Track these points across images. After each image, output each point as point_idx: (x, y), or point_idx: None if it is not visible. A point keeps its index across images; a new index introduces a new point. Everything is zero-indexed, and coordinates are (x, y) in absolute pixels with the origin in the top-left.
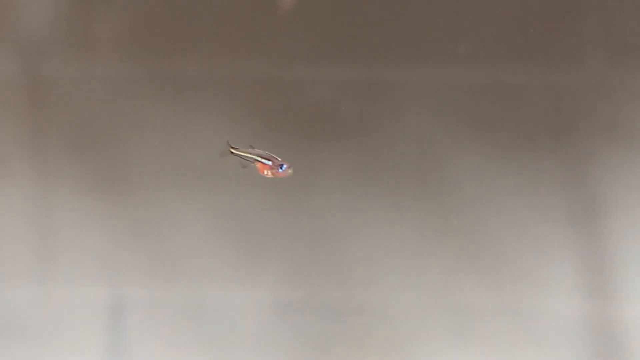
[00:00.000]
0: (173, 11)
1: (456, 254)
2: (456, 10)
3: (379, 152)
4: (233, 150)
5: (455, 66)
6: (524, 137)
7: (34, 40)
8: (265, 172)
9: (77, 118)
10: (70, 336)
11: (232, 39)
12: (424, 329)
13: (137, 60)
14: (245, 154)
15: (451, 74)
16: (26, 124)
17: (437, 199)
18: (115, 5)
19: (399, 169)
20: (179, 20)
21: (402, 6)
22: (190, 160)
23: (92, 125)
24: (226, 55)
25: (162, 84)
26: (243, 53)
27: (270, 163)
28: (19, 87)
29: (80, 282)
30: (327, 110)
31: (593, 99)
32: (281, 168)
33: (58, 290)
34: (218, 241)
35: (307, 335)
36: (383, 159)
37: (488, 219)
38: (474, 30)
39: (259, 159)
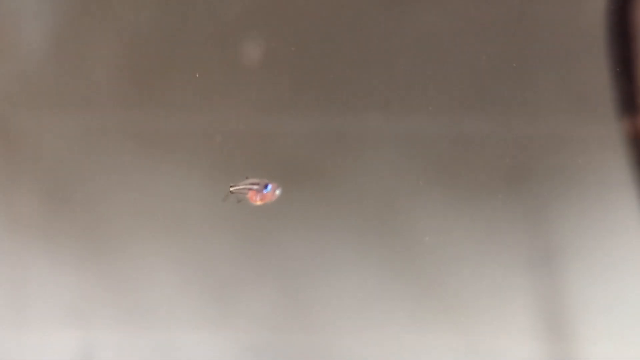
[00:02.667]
0: (142, 66)
1: (418, 298)
2: (415, 64)
3: (343, 200)
4: (231, 189)
5: (416, 118)
6: (481, 185)
7: (7, 93)
8: (254, 199)
9: (49, 170)
10: None
11: (200, 93)
12: None
13: (109, 114)
14: (240, 186)
15: (411, 125)
16: (0, 176)
17: (400, 244)
18: (87, 60)
19: (363, 216)
20: (147, 76)
21: (363, 61)
22: (158, 210)
23: (65, 177)
24: (194, 109)
25: (133, 137)
26: (211, 106)
27: (256, 187)
28: None
29: (52, 328)
30: (293, 160)
31: (547, 149)
32: (266, 188)
33: (31, 335)
34: (186, 288)
35: None
36: (347, 206)
37: (448, 264)
38: (432, 84)
39: (249, 186)
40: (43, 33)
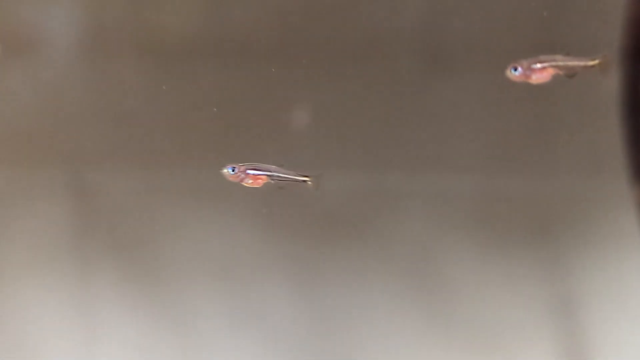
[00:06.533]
0: (190, 132)
1: (450, 341)
2: (447, 130)
3: (380, 250)
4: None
5: (446, 177)
6: (506, 237)
7: (78, 152)
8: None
9: (115, 223)
10: None
11: (246, 154)
12: None
13: (165, 173)
14: (282, 175)
15: (443, 184)
16: (72, 228)
17: (434, 292)
18: (143, 126)
19: (398, 264)
20: (196, 140)
21: (400, 126)
22: (212, 260)
23: (129, 229)
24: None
25: (185, 193)
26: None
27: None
28: (65, 194)
29: None
30: (335, 213)
31: (565, 207)
32: (232, 171)
33: None
34: (235, 329)
35: None
36: (384, 255)
37: (478, 310)
38: (462, 147)
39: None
40: (107, 100)
